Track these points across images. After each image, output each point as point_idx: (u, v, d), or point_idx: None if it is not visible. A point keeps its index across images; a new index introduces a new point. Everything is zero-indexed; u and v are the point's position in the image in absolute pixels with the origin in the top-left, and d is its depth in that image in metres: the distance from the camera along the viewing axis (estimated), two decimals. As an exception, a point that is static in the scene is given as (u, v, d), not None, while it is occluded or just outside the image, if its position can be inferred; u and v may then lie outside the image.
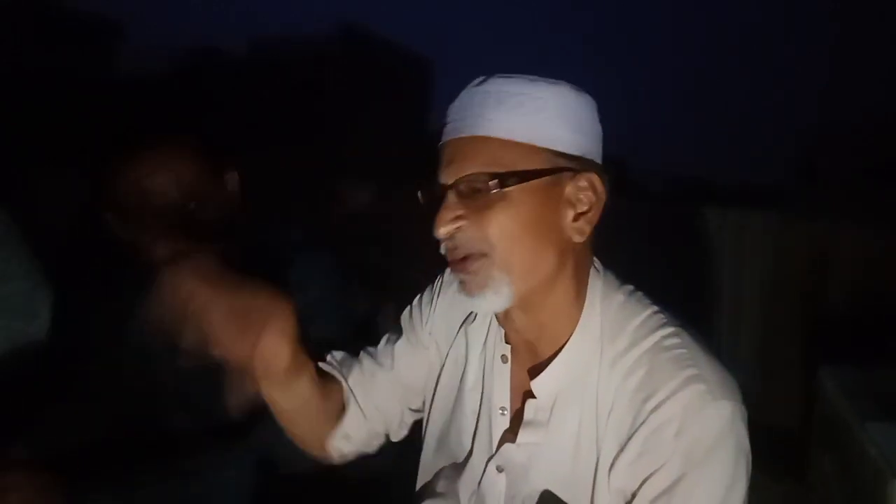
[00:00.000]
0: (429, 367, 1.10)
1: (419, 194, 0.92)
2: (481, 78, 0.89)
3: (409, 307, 1.14)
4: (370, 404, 1.09)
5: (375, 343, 1.18)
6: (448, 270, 1.09)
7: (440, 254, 0.92)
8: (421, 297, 1.13)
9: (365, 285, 1.47)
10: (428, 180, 0.91)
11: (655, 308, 0.91)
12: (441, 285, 1.11)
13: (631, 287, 0.95)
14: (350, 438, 1.08)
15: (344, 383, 1.09)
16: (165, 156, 1.20)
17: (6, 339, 1.48)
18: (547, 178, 0.85)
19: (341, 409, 1.08)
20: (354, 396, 1.09)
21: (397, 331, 1.14)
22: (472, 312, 1.04)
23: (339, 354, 1.13)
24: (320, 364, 1.09)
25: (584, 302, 0.91)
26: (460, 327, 1.05)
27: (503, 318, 0.95)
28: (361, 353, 1.14)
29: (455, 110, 0.89)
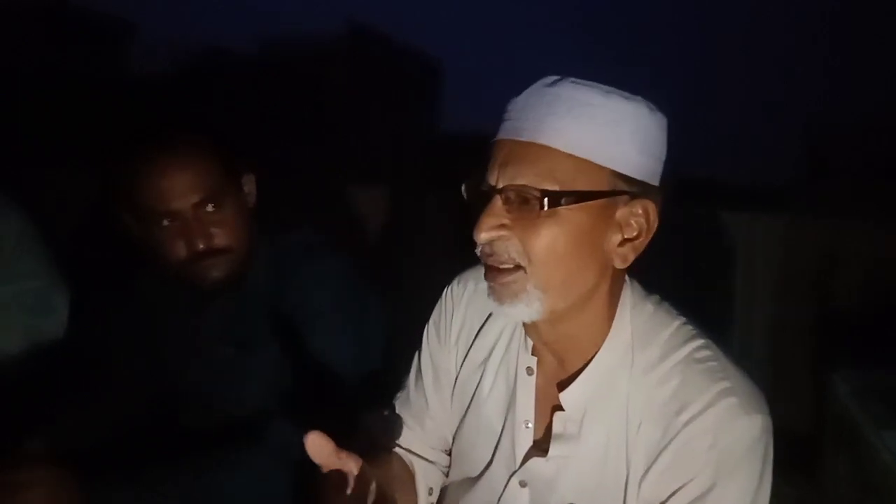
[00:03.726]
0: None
1: (463, 189, 0.87)
2: (553, 78, 0.83)
3: (424, 342, 1.09)
4: (428, 450, 1.07)
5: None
6: (455, 282, 1.07)
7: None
8: (433, 323, 1.09)
9: (378, 287, 1.46)
10: (474, 175, 0.85)
11: (683, 319, 0.90)
12: (451, 298, 1.06)
13: (657, 297, 0.94)
14: (433, 489, 1.06)
15: (400, 450, 1.06)
16: (183, 156, 1.19)
17: (23, 336, 1.48)
18: (602, 200, 0.81)
19: (409, 472, 1.06)
20: (415, 454, 1.06)
21: (418, 370, 1.09)
22: (487, 320, 1.02)
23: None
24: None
25: (615, 313, 0.89)
26: (476, 335, 1.02)
27: (530, 329, 0.92)
28: (397, 408, 1.10)
29: (518, 107, 0.83)
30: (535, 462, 0.91)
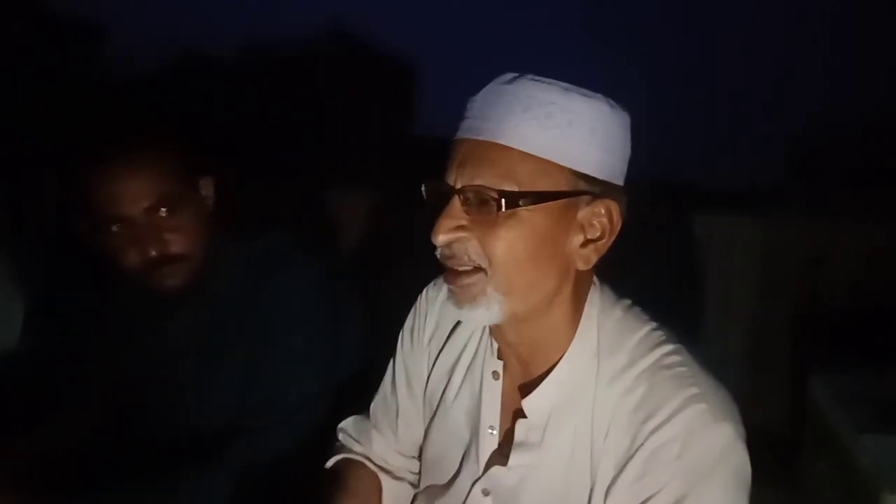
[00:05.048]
0: None
1: (423, 190, 0.86)
2: (511, 75, 0.82)
3: (398, 346, 1.08)
4: (400, 458, 1.06)
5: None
6: (431, 285, 1.06)
7: (439, 264, 0.87)
8: (408, 326, 1.08)
9: (356, 294, 1.42)
10: (434, 176, 0.84)
11: (654, 324, 0.88)
12: (426, 301, 1.06)
13: (628, 301, 0.91)
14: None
15: (372, 466, 1.06)
16: (133, 158, 1.14)
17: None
18: (563, 200, 0.79)
19: (377, 491, 1.05)
20: (385, 470, 1.06)
21: (393, 374, 1.08)
22: (459, 323, 1.00)
23: (350, 425, 1.10)
24: (347, 455, 1.07)
25: (580, 317, 0.87)
26: (447, 339, 1.01)
27: (496, 331, 0.91)
28: (372, 415, 1.10)
29: (477, 107, 0.82)
30: (497, 471, 0.89)
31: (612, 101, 0.82)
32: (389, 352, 1.11)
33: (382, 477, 1.05)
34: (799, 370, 2.59)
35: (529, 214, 0.78)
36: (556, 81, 0.81)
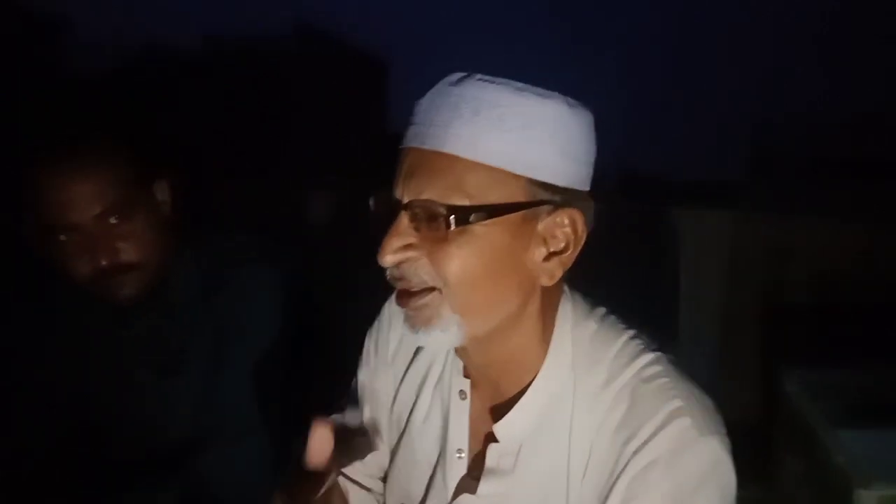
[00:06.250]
0: None
1: (370, 202, 0.80)
2: (458, 76, 0.76)
3: (362, 360, 1.03)
4: (365, 478, 1.01)
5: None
6: (391, 301, 0.98)
7: None
8: (371, 340, 1.02)
9: (317, 300, 1.37)
10: (383, 185, 0.78)
11: (631, 332, 0.83)
12: (389, 314, 0.99)
13: (603, 310, 0.87)
14: None
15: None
16: (82, 163, 1.08)
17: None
18: (520, 212, 0.73)
19: (344, 500, 0.99)
20: (351, 479, 1.00)
21: (355, 390, 1.03)
22: None
23: None
24: None
25: (552, 334, 0.82)
26: (414, 355, 0.96)
27: (460, 350, 0.85)
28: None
29: (423, 111, 0.76)
30: (467, 499, 0.84)
31: (571, 100, 0.76)
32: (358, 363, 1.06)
33: (348, 485, 1.00)
34: (769, 365, 2.61)
35: (484, 230, 0.72)
36: (508, 81, 0.75)
